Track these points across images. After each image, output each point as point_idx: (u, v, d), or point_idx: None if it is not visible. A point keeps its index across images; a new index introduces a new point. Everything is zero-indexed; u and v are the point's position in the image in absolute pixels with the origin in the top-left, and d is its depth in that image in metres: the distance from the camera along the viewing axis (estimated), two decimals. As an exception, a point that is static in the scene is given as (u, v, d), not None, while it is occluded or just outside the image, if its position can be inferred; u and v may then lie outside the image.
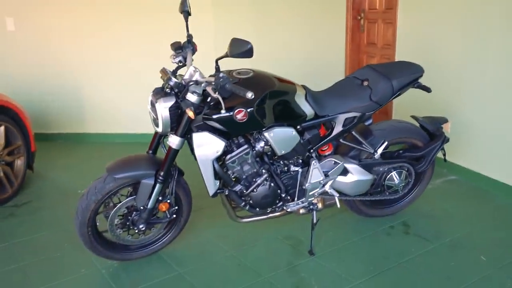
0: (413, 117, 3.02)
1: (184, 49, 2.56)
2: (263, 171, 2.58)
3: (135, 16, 4.58)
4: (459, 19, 3.64)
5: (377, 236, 2.97)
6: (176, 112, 2.36)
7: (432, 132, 2.96)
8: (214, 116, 2.35)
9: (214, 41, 4.43)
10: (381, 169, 2.88)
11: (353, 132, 2.75)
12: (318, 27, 4.92)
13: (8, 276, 2.63)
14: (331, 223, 3.10)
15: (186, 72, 2.36)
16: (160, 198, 2.55)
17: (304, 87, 2.66)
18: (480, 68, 3.53)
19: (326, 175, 2.70)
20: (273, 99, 2.45)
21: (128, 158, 2.54)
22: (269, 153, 2.60)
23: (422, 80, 2.85)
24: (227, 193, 2.61)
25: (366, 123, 2.81)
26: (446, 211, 3.28)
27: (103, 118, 4.95)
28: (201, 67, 2.41)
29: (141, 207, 2.52)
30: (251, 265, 2.68)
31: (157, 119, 2.36)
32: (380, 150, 2.78)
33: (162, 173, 2.46)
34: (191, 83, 2.31)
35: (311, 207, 2.76)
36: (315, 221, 2.77)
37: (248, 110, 2.36)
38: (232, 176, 2.55)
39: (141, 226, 2.56)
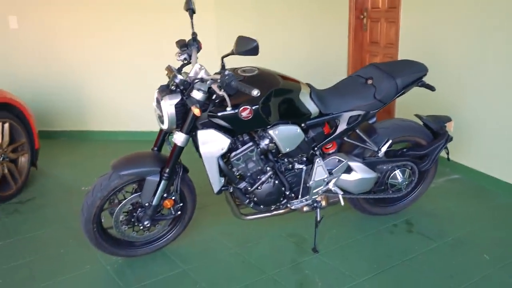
0: (417, 115, 3.03)
1: (189, 46, 2.57)
2: (268, 168, 2.59)
3: (138, 15, 4.59)
4: (462, 18, 3.65)
5: (381, 234, 2.98)
6: (182, 109, 2.37)
7: (436, 130, 2.97)
8: (219, 114, 2.36)
9: (216, 41, 4.43)
10: (384, 167, 2.89)
11: (357, 130, 2.77)
12: (320, 26, 4.93)
13: (13, 272, 2.64)
14: (334, 221, 3.12)
15: (191, 70, 2.37)
16: (165, 195, 2.56)
17: (308, 85, 2.67)
18: (483, 67, 3.54)
19: (330, 173, 2.71)
20: (278, 97, 2.46)
21: (133, 155, 2.55)
22: (273, 150, 2.61)
23: (425, 79, 2.85)
24: (231, 190, 2.62)
25: (370, 122, 2.81)
26: (449, 209, 3.29)
27: (106, 116, 4.96)
28: (203, 66, 2.42)
29: (146, 204, 2.54)
30: (255, 262, 2.70)
31: (163, 116, 2.38)
32: (384, 148, 2.80)
33: (167, 170, 2.47)
34: (197, 80, 2.32)
35: (315, 204, 2.77)
36: (318, 218, 2.78)
37: (253, 107, 2.37)
38: (237, 174, 2.56)
39: (146, 223, 2.58)
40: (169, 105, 2.34)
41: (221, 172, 2.51)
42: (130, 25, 4.64)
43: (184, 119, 2.39)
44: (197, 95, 2.30)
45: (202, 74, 2.34)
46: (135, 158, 2.52)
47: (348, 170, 2.75)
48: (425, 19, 4.00)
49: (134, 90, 4.79)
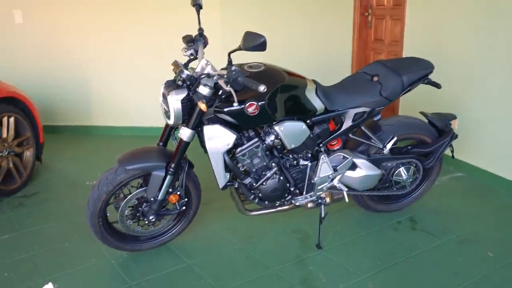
0: (422, 113, 3.03)
1: (195, 42, 2.57)
2: (273, 164, 2.59)
3: (145, 12, 4.59)
4: (468, 16, 3.64)
5: (384, 231, 2.98)
6: (188, 105, 2.37)
7: (441, 128, 2.97)
8: (226, 109, 2.36)
9: (221, 37, 4.43)
10: (389, 164, 2.89)
11: (362, 127, 2.77)
12: (325, 23, 4.92)
13: (18, 265, 2.65)
14: (338, 217, 3.12)
15: (197, 65, 2.37)
16: (170, 190, 2.57)
17: (314, 81, 2.67)
18: (488, 65, 3.53)
19: (335, 169, 2.71)
20: (284, 93, 2.46)
21: (139, 150, 2.55)
22: (279, 146, 2.61)
23: (430, 77, 2.85)
24: (236, 186, 2.63)
25: (375, 119, 2.81)
26: (453, 207, 3.29)
27: (111, 111, 4.97)
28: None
29: (151, 199, 2.54)
30: (260, 257, 2.70)
31: (169, 111, 2.38)
32: (389, 146, 2.80)
33: (172, 165, 2.48)
34: (203, 76, 2.32)
35: (319, 201, 2.78)
36: (323, 215, 2.79)
37: (260, 103, 2.38)
38: (242, 169, 2.57)
39: (151, 217, 2.59)
40: (176, 100, 2.34)
41: (227, 168, 2.51)
42: (136, 22, 4.64)
43: (190, 114, 2.39)
44: (204, 90, 2.30)
45: (208, 70, 2.33)
46: (141, 153, 2.53)
47: (353, 166, 2.76)
48: (430, 16, 4.00)
49: (139, 85, 4.80)
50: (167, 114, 2.43)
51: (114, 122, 4.98)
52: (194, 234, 2.93)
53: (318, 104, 2.59)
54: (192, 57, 2.58)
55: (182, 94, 2.35)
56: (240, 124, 2.44)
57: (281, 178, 2.64)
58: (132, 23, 4.64)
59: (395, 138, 2.80)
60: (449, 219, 3.12)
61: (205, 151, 2.47)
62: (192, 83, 2.35)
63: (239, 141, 2.52)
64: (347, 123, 2.70)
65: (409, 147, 2.97)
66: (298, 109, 2.55)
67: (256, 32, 2.23)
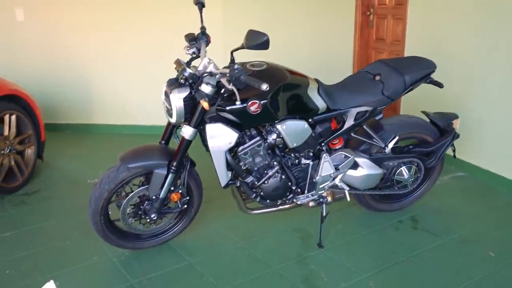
0: (423, 112, 3.03)
1: (198, 40, 2.57)
2: (275, 163, 2.59)
3: (146, 10, 4.58)
4: (470, 15, 3.63)
5: (386, 230, 2.98)
6: (190, 103, 2.37)
7: (443, 127, 2.97)
8: (228, 108, 2.36)
9: (223, 36, 4.43)
10: (391, 163, 2.89)
11: (364, 126, 2.77)
12: (326, 22, 4.92)
13: (19, 263, 2.65)
14: (340, 216, 3.12)
15: (200, 64, 2.37)
16: (172, 188, 2.57)
17: (316, 80, 2.67)
18: (490, 65, 3.53)
19: (336, 168, 2.71)
20: (286, 92, 2.46)
21: (141, 148, 2.55)
22: (280, 145, 2.61)
23: (432, 76, 2.85)
24: (238, 185, 2.63)
25: (377, 118, 2.81)
26: (454, 207, 3.29)
27: (112, 110, 4.96)
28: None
29: (153, 197, 2.54)
30: (261, 256, 2.70)
31: (171, 109, 2.38)
32: (391, 145, 2.80)
33: (174, 164, 2.48)
34: (206, 74, 2.32)
35: (321, 200, 2.78)
36: (324, 214, 2.79)
37: (262, 102, 2.38)
38: (244, 168, 2.57)
39: (152, 216, 2.59)
40: (178, 98, 2.34)
41: (228, 166, 2.51)
42: (138, 21, 4.63)
43: (192, 112, 2.39)
44: (206, 89, 2.30)
45: (211, 68, 2.34)
46: (143, 151, 2.53)
47: (355, 165, 2.76)
48: (432, 16, 3.99)
49: (140, 83, 4.80)
50: (169, 112, 2.43)
51: (116, 120, 4.98)
52: (195, 232, 2.93)
53: (320, 103, 2.59)
54: (194, 55, 2.58)
55: (185, 93, 2.35)
56: (242, 123, 2.44)
57: (283, 177, 2.64)
58: (133, 21, 4.64)
59: (396, 138, 2.80)
60: (451, 219, 3.12)
61: (207, 149, 2.48)
62: (194, 81, 2.35)
63: (241, 140, 2.52)
64: (349, 122, 2.70)
65: (411, 147, 2.97)
66: (300, 108, 2.55)
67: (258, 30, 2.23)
